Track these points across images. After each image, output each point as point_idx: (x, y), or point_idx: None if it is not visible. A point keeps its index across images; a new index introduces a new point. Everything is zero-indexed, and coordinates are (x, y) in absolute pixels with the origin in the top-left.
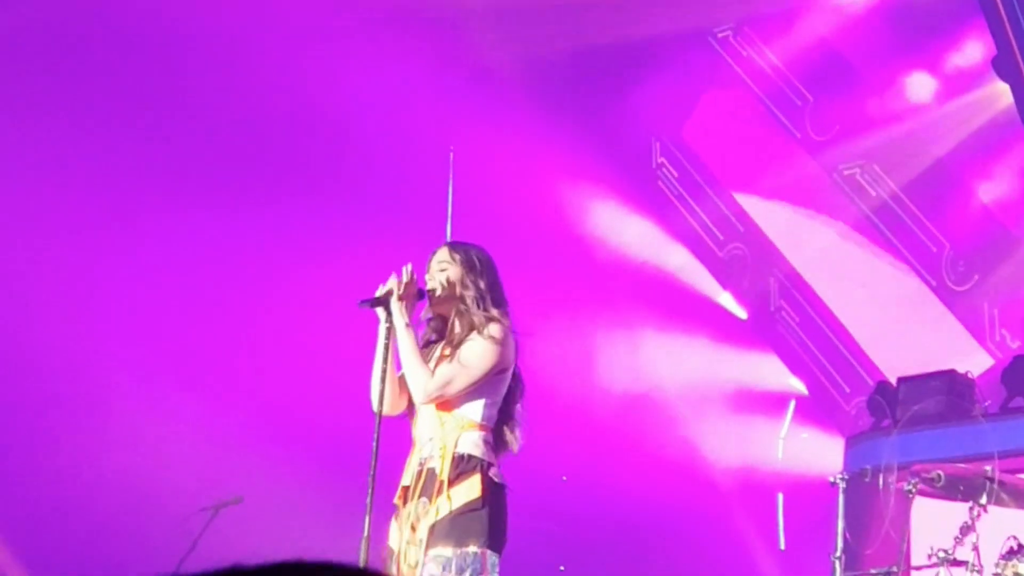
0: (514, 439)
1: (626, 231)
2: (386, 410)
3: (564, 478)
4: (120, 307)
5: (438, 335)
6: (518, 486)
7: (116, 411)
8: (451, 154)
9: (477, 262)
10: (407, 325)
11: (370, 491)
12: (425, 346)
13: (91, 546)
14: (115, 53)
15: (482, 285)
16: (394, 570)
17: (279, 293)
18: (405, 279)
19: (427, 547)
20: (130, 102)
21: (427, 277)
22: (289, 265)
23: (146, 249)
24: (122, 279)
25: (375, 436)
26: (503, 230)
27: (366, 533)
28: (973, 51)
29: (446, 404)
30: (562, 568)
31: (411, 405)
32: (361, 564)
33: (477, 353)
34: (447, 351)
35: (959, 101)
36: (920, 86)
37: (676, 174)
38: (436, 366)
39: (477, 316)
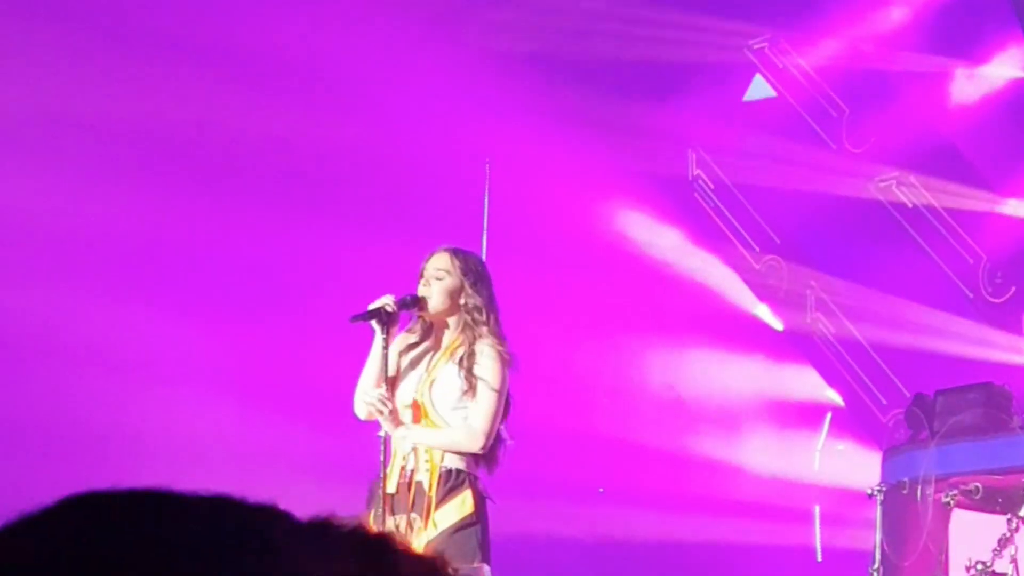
0: (497, 458)
1: (662, 242)
2: (369, 417)
3: (600, 489)
4: (156, 298)
5: (423, 338)
6: (554, 496)
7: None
8: (487, 167)
9: (477, 272)
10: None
11: (381, 503)
12: (410, 348)
13: None
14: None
15: (482, 296)
16: None
17: (308, 304)
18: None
19: None
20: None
21: (422, 283)
22: (321, 278)
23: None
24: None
25: (381, 450)
26: (538, 241)
27: None
28: (1013, 59)
29: (437, 415)
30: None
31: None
32: None
33: (498, 377)
34: (448, 362)
35: (997, 111)
36: (957, 94)
37: (712, 186)
38: (432, 375)
39: (478, 331)
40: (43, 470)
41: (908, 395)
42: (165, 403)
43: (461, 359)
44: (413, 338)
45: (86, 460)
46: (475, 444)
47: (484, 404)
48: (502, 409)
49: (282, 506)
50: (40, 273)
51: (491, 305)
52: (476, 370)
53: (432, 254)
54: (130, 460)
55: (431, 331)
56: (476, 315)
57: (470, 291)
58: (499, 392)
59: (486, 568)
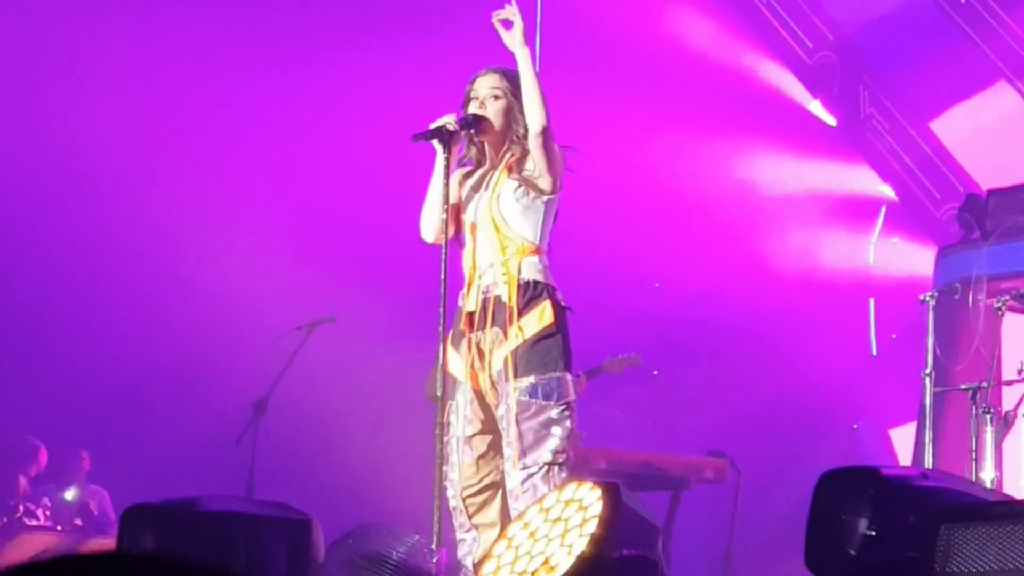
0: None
1: (715, 40)
2: (438, 238)
3: (656, 285)
4: (222, 132)
5: (478, 162)
6: (609, 292)
7: (210, 233)
8: None
9: None
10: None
11: (441, 319)
12: (467, 176)
13: (186, 368)
14: None
15: None
16: (460, 400)
17: (369, 125)
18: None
19: (506, 376)
20: None
21: (475, 104)
22: (380, 98)
23: (234, 86)
24: (214, 111)
25: (442, 267)
26: (591, 37)
27: (440, 361)
28: None
29: (507, 225)
30: (655, 373)
31: (459, 232)
32: (437, 393)
33: (557, 155)
34: (507, 178)
35: None
36: None
37: None
38: (496, 190)
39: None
40: (134, 292)
41: (962, 190)
42: (230, 226)
43: (514, 167)
44: (467, 168)
45: (174, 279)
46: (539, 122)
47: (542, 157)
48: (559, 169)
49: (369, 327)
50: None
51: None
52: (528, 164)
53: (478, 76)
54: (220, 278)
55: (484, 154)
56: (524, 133)
57: (520, 111)
58: (557, 157)
59: (568, 376)
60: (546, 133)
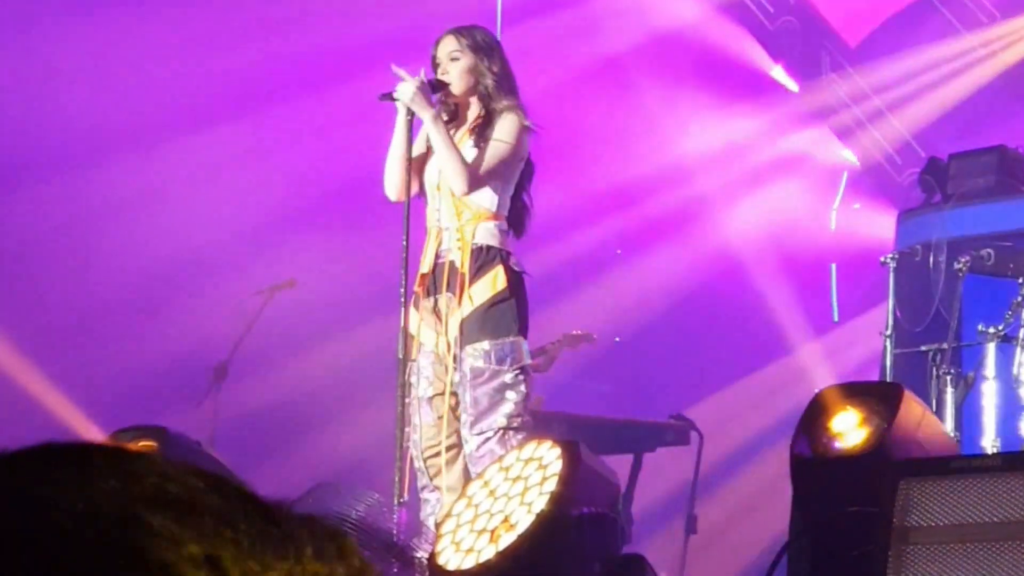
0: (523, 225)
1: (673, 5)
2: (400, 196)
3: (618, 251)
4: (182, 92)
5: (450, 122)
6: (572, 260)
7: (169, 195)
8: None
9: (487, 46)
10: (435, 116)
11: (403, 280)
12: None
13: (145, 332)
14: None
15: (496, 70)
16: (423, 361)
17: (332, 83)
18: (420, 79)
19: (462, 342)
20: None
21: (439, 70)
22: (344, 56)
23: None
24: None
25: (404, 228)
26: (547, 6)
27: (403, 323)
28: None
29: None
30: (617, 339)
31: (423, 190)
32: (399, 354)
33: (507, 140)
34: (469, 138)
35: None
36: None
37: None
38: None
39: (498, 103)
40: (86, 251)
41: (923, 155)
42: (189, 180)
43: (477, 130)
44: (444, 115)
45: (131, 239)
46: (459, 184)
47: (485, 153)
48: (505, 164)
49: (330, 289)
50: None
51: (505, 74)
52: (488, 132)
53: (438, 40)
54: (180, 240)
55: (457, 115)
56: (492, 88)
57: (483, 66)
58: (507, 146)
59: (522, 341)
60: (471, 191)
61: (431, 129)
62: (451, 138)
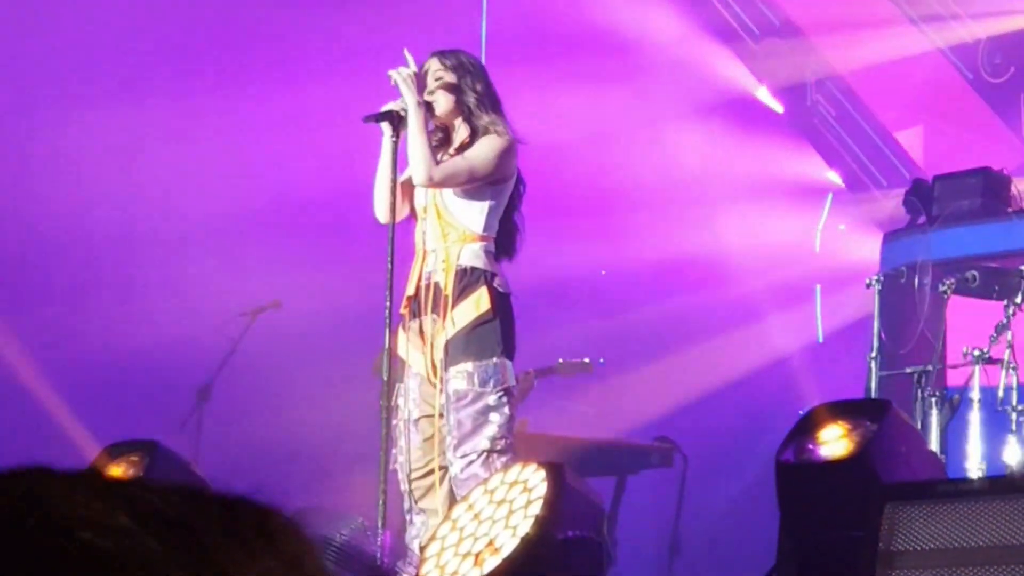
0: (514, 247)
1: (660, 24)
2: (388, 220)
3: (603, 272)
4: (168, 119)
5: (439, 142)
6: (555, 281)
7: (153, 219)
8: None
9: (470, 66)
10: (419, 103)
11: (388, 301)
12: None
13: (130, 353)
14: None
15: (479, 88)
16: (410, 383)
17: (317, 106)
18: (410, 69)
19: (447, 364)
20: None
21: (425, 93)
22: (329, 78)
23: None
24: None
25: (389, 250)
26: (535, 24)
27: (387, 345)
28: None
29: (450, 216)
30: (602, 361)
31: (413, 213)
32: (384, 376)
33: (483, 154)
34: (455, 157)
35: None
36: None
37: None
38: None
39: (480, 120)
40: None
41: (908, 177)
42: (173, 203)
43: (462, 148)
44: (433, 140)
45: (115, 265)
46: (421, 173)
47: (452, 162)
48: (469, 177)
49: (315, 310)
50: None
51: (488, 93)
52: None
53: (424, 65)
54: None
55: (447, 139)
56: (474, 104)
57: (466, 84)
58: (473, 163)
59: (507, 362)
60: (432, 182)
61: (411, 115)
62: (425, 128)
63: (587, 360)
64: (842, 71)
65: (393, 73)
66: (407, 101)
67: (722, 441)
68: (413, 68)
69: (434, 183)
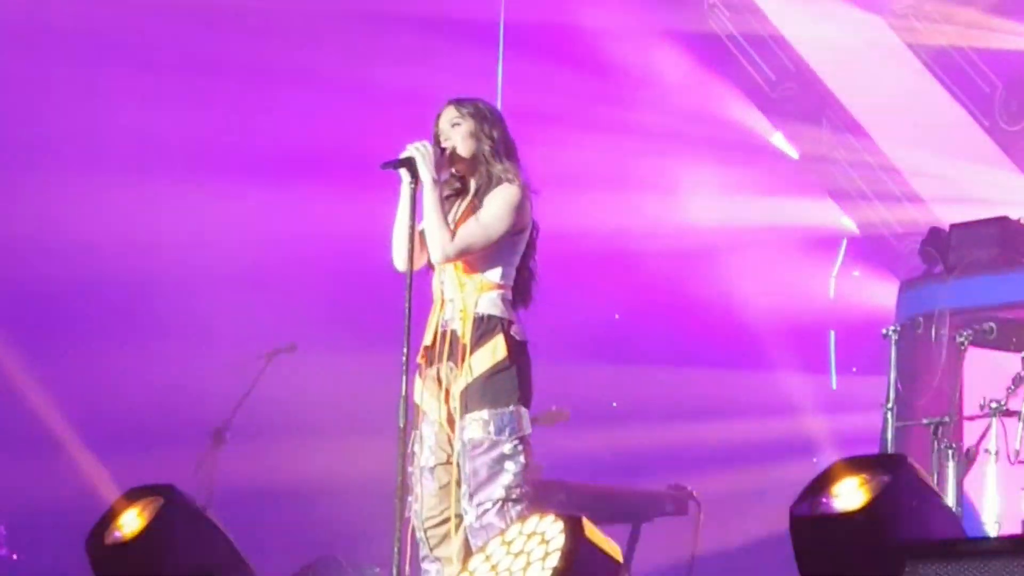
0: (530, 294)
1: (676, 71)
2: (407, 267)
3: (616, 316)
4: (182, 156)
5: (456, 191)
6: (570, 326)
7: (170, 260)
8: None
9: (487, 113)
10: (435, 181)
11: (405, 350)
12: (450, 202)
13: (145, 395)
14: None
15: (496, 136)
16: (426, 430)
17: (336, 152)
18: (426, 149)
19: (463, 411)
20: None
21: (441, 139)
22: (347, 124)
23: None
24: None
25: (407, 296)
26: (551, 73)
27: (403, 392)
28: None
29: (467, 266)
30: (614, 405)
31: (431, 262)
32: (400, 423)
33: (496, 212)
34: (469, 208)
35: None
36: None
37: (728, 13)
38: (460, 221)
39: (496, 169)
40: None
41: (923, 224)
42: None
43: (478, 194)
44: (448, 190)
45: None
46: (436, 251)
47: (465, 231)
48: (485, 244)
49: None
50: None
51: (504, 140)
52: (485, 200)
53: (439, 114)
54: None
55: (464, 185)
56: (490, 152)
57: (483, 132)
58: (487, 227)
59: (523, 410)
60: (449, 258)
61: (426, 191)
62: (441, 206)
63: (562, 410)
64: (857, 117)
65: (411, 147)
66: (423, 178)
67: (737, 488)
68: (430, 147)
69: (451, 259)
